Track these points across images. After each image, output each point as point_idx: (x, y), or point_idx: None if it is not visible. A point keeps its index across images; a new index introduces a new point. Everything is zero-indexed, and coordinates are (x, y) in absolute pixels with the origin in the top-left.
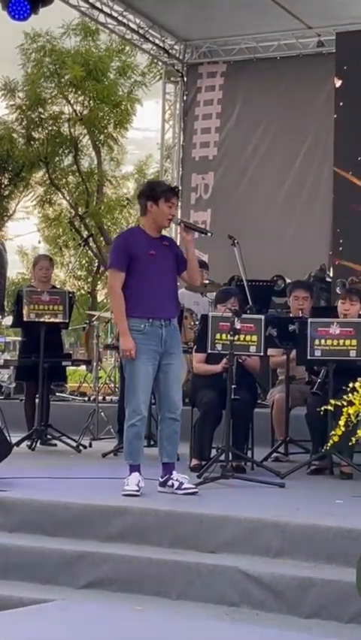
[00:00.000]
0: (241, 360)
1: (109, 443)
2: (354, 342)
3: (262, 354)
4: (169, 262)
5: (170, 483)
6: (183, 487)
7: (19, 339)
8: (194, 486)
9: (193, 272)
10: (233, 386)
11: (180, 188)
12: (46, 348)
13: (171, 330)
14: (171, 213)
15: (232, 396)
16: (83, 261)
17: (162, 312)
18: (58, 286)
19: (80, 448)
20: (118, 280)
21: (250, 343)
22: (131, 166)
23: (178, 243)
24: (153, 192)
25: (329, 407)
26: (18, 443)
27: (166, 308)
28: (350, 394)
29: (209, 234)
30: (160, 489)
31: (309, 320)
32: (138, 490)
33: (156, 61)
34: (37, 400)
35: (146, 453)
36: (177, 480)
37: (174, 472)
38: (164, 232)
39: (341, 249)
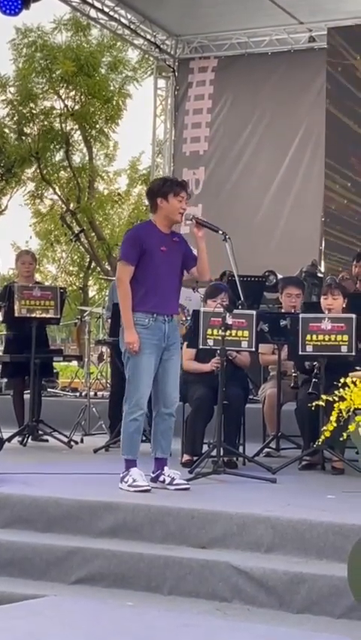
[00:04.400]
0: (231, 358)
1: (101, 439)
2: (345, 337)
3: (253, 349)
4: (178, 259)
5: (162, 478)
6: (174, 482)
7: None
8: (186, 482)
9: (204, 268)
10: (223, 389)
11: (187, 181)
12: (34, 344)
13: (173, 325)
14: (182, 207)
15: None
16: (75, 257)
17: (167, 307)
18: (48, 282)
19: (72, 443)
20: (127, 273)
21: (241, 339)
22: (124, 161)
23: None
24: (161, 188)
25: (321, 402)
26: (9, 439)
27: (170, 304)
28: (341, 389)
29: (220, 232)
30: (151, 484)
31: (300, 315)
32: (148, 485)
33: (147, 56)
34: (25, 396)
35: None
36: (168, 475)
37: (165, 468)
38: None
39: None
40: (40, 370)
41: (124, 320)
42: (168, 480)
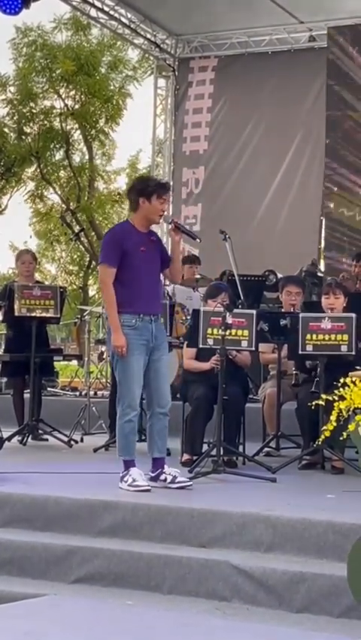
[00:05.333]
0: (231, 357)
1: (100, 438)
2: (345, 336)
3: (253, 348)
4: (157, 258)
5: (163, 477)
6: (176, 480)
7: (4, 333)
8: (188, 479)
9: (177, 271)
10: (223, 386)
11: (171, 183)
12: (34, 344)
13: (159, 325)
14: (163, 209)
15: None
16: (75, 256)
17: (152, 307)
18: (47, 281)
19: (72, 443)
20: (109, 275)
21: (241, 338)
22: (124, 161)
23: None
24: (145, 188)
25: (321, 402)
26: (9, 438)
27: (155, 304)
28: (341, 389)
29: (198, 240)
30: (152, 484)
31: (301, 315)
32: (148, 485)
33: (147, 55)
34: (25, 395)
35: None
36: (170, 474)
37: (165, 467)
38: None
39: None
40: (40, 369)
41: (111, 323)
42: (169, 478)
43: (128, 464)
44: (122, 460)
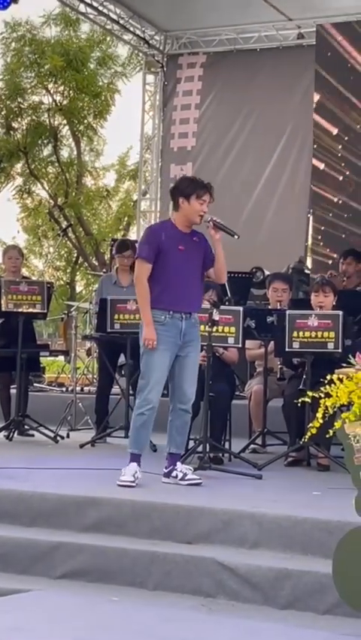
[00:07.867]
0: (218, 354)
1: (87, 434)
2: (332, 334)
3: (240, 345)
4: (197, 258)
5: (174, 474)
6: (187, 477)
7: None
8: (198, 477)
9: (221, 270)
10: (209, 382)
11: (212, 185)
12: (20, 339)
13: (191, 323)
14: (203, 210)
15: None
16: (62, 252)
17: (184, 305)
18: (35, 276)
19: (58, 438)
20: (145, 271)
21: (228, 335)
22: (113, 157)
23: None
24: (185, 188)
25: (307, 399)
26: None
27: (188, 301)
28: (327, 386)
29: (236, 237)
30: (164, 480)
31: (287, 312)
32: (133, 482)
33: (136, 52)
34: (11, 391)
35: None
36: (181, 471)
37: (178, 463)
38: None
39: (317, 239)
40: (26, 365)
41: (143, 317)
42: (180, 475)
43: (133, 458)
44: (129, 452)
